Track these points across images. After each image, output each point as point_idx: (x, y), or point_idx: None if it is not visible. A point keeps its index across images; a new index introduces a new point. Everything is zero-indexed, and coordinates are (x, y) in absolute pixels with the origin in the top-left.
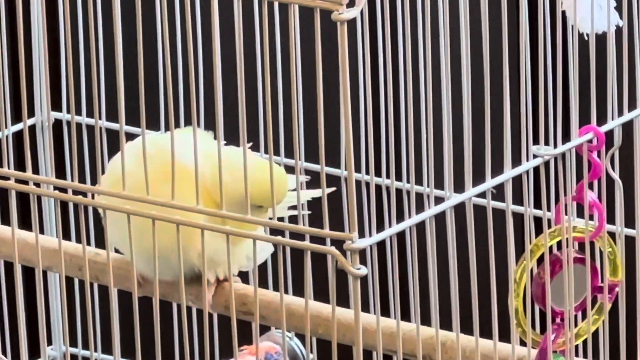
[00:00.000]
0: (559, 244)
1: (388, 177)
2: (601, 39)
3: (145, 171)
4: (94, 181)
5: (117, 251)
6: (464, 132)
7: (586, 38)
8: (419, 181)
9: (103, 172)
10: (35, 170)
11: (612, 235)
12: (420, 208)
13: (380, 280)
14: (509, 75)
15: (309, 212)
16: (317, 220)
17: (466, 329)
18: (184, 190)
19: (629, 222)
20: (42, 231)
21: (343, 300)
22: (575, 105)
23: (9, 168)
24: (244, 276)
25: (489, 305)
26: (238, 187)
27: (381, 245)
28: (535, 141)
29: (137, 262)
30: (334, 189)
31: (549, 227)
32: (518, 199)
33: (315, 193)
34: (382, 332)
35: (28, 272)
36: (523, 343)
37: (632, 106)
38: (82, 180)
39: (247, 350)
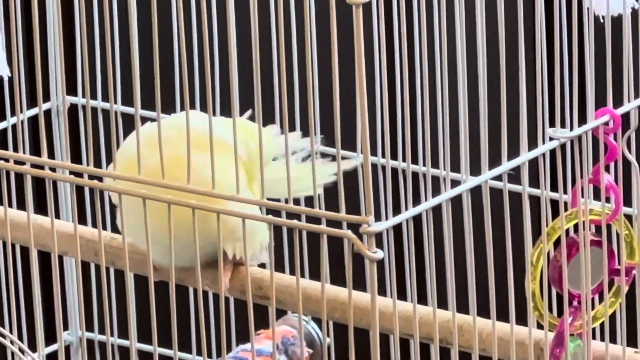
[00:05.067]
0: (576, 226)
1: (404, 160)
2: (617, 21)
3: (161, 155)
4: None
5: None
6: (480, 115)
7: (602, 20)
8: (435, 164)
9: None
10: (51, 155)
11: (628, 217)
12: (436, 191)
13: (397, 263)
14: (525, 57)
15: (328, 185)
16: (333, 203)
17: (483, 312)
18: (217, 160)
19: None
20: (57, 216)
21: (359, 284)
22: (591, 88)
23: (24, 153)
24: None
25: (506, 288)
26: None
27: (397, 228)
28: (552, 124)
29: (152, 250)
30: (353, 162)
31: (566, 209)
32: (534, 182)
33: (331, 169)
34: (399, 316)
35: (44, 257)
36: (540, 326)
37: None
38: (97, 164)
39: (264, 334)
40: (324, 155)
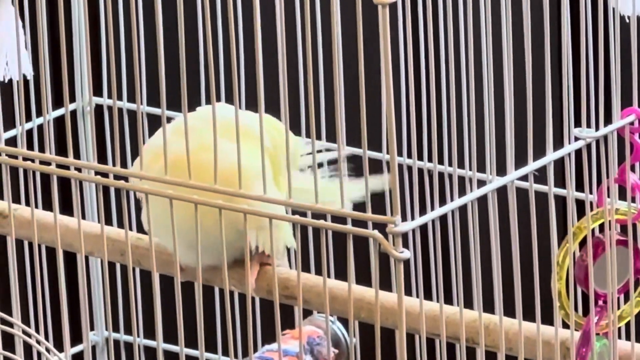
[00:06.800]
0: (602, 226)
1: (430, 160)
2: None
3: (188, 157)
4: None
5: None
6: (506, 115)
7: (627, 20)
8: (461, 164)
9: None
10: (77, 156)
11: None
12: (462, 191)
13: (423, 263)
14: (551, 57)
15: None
16: (359, 204)
17: (509, 312)
18: (244, 146)
19: None
20: (83, 216)
21: (385, 284)
22: (616, 87)
23: (50, 153)
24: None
25: (532, 288)
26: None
27: (424, 228)
28: (577, 123)
29: (178, 250)
30: (381, 181)
31: (591, 209)
32: (560, 182)
33: (358, 186)
34: (425, 316)
35: (70, 258)
36: (566, 326)
37: None
38: (123, 165)
39: (290, 334)
40: (350, 170)
